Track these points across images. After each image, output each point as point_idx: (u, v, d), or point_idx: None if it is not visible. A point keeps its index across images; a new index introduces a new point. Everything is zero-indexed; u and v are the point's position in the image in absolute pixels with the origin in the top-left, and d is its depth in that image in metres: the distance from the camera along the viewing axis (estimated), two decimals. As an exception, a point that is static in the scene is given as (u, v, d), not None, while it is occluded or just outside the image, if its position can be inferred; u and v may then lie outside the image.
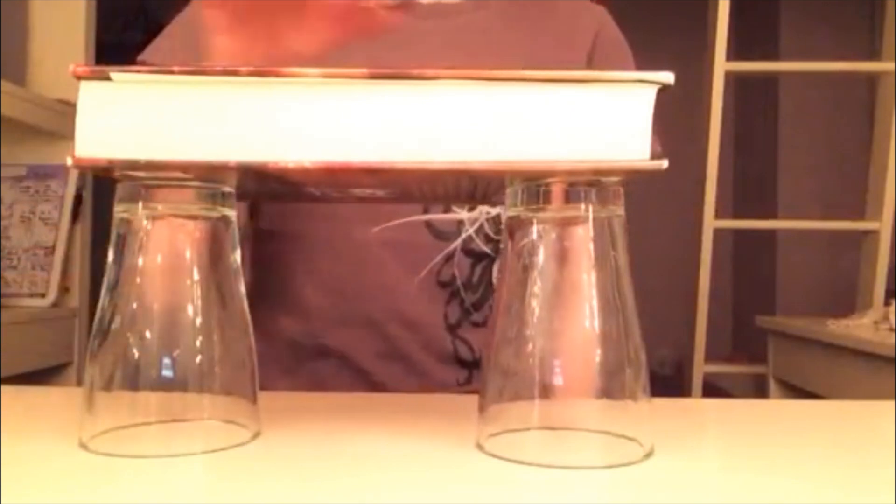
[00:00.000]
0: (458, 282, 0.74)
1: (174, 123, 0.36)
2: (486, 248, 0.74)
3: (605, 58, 0.78)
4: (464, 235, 0.74)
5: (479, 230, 0.74)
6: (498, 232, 0.74)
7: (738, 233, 3.75)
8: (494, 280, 0.75)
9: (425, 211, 0.73)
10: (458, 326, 0.75)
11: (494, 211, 0.74)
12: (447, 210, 0.74)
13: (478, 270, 0.75)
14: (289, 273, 0.76)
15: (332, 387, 0.73)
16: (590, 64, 0.78)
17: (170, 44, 0.70)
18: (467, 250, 0.74)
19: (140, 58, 0.70)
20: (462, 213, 0.74)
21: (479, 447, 0.41)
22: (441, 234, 0.74)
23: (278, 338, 0.76)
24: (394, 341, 0.74)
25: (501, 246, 0.44)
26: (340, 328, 0.74)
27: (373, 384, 0.74)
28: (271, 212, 0.76)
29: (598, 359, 0.39)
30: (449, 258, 0.74)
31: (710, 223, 2.08)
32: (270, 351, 0.75)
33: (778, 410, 0.60)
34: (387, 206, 0.71)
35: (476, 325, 0.75)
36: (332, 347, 0.74)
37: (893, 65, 1.99)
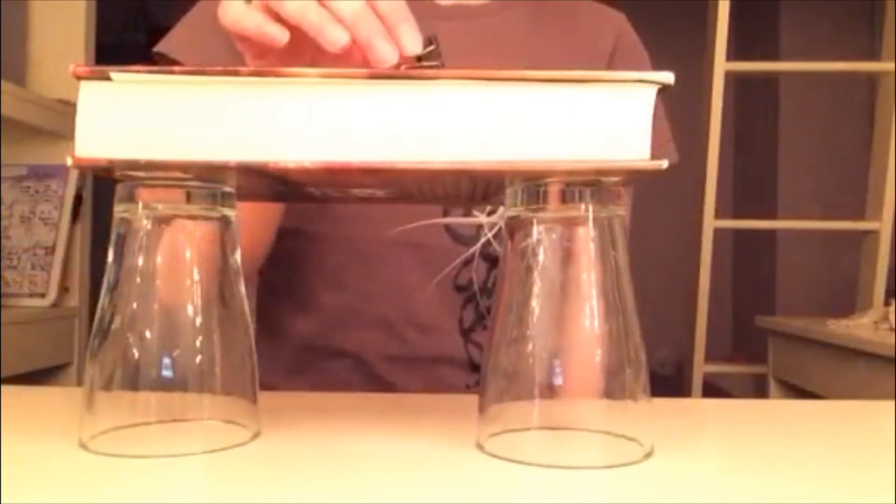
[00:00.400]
0: (475, 286, 0.74)
1: (174, 123, 0.36)
2: None
3: (625, 62, 0.77)
4: (483, 240, 0.73)
5: (498, 234, 0.74)
6: None
7: (738, 233, 3.75)
8: None
9: (445, 214, 0.72)
10: (471, 331, 0.74)
11: None
12: (467, 214, 0.73)
13: (494, 275, 0.74)
14: (304, 272, 0.75)
15: (344, 388, 0.72)
16: (609, 68, 0.78)
17: (179, 39, 0.70)
18: (485, 255, 0.73)
19: (156, 49, 0.69)
20: (482, 217, 0.73)
21: (479, 447, 0.41)
22: (460, 238, 0.73)
23: (291, 338, 0.75)
24: (407, 344, 0.73)
25: (501, 246, 0.44)
26: (354, 329, 0.74)
27: (384, 386, 0.73)
28: (287, 211, 0.75)
29: (598, 359, 0.39)
30: (467, 262, 0.73)
31: (710, 223, 2.08)
32: (282, 351, 0.75)
33: (778, 410, 0.60)
34: (406, 208, 0.70)
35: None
36: (345, 349, 0.74)
37: (893, 65, 1.99)
